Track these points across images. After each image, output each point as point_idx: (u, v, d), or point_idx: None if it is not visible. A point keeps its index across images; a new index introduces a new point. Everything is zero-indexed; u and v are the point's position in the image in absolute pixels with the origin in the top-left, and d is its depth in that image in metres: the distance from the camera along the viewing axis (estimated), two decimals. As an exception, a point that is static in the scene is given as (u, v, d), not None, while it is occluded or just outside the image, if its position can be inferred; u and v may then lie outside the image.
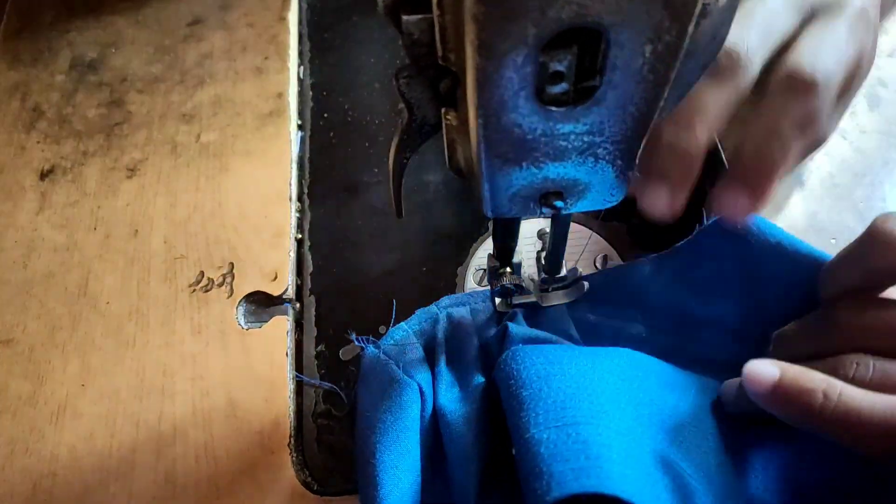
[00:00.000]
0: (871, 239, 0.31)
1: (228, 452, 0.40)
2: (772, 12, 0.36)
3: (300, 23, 0.61)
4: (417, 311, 0.43)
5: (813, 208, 0.49)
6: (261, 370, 0.42)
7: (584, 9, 0.22)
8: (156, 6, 0.62)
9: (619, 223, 0.48)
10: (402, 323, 0.42)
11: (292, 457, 0.39)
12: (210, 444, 0.40)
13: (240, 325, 0.44)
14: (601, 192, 0.31)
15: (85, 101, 0.56)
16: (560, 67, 0.24)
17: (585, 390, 0.32)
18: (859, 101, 0.54)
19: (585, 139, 0.28)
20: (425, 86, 0.28)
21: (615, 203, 0.32)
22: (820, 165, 0.51)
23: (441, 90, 0.29)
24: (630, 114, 0.26)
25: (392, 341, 0.41)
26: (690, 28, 0.23)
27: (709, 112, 0.34)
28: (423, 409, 0.37)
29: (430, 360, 0.40)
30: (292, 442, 0.40)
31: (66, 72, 0.58)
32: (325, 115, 0.55)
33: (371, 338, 0.41)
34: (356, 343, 0.41)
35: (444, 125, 0.30)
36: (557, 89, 0.25)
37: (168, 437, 0.40)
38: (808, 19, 0.37)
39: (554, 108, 0.26)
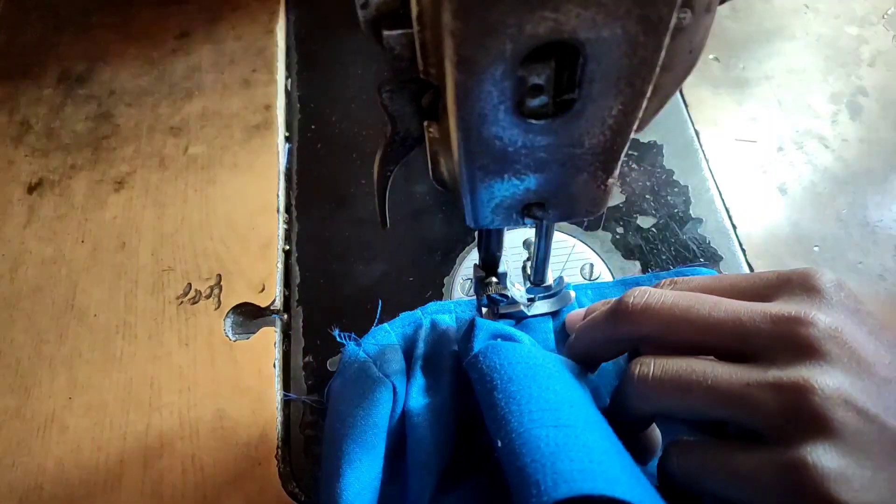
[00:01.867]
0: (617, 311, 0.33)
1: (216, 464, 0.40)
2: None
3: (288, 35, 0.61)
4: (402, 315, 0.43)
5: (795, 217, 0.49)
6: (248, 382, 0.42)
7: (560, 24, 0.22)
8: (144, 20, 0.62)
9: (604, 232, 0.49)
10: (386, 324, 0.43)
11: (280, 468, 0.39)
12: (197, 456, 0.40)
13: (227, 336, 0.44)
14: (582, 202, 0.32)
15: (73, 114, 0.56)
16: (539, 81, 0.25)
17: (570, 394, 0.33)
18: (841, 110, 0.55)
19: (566, 151, 0.28)
20: (408, 99, 0.29)
21: (597, 213, 0.33)
22: (802, 174, 0.52)
23: (423, 104, 0.29)
24: (609, 126, 0.27)
25: (374, 341, 0.41)
26: (666, 42, 0.24)
27: None
28: (393, 410, 0.37)
29: (409, 363, 0.40)
30: (279, 453, 0.40)
31: (54, 85, 0.58)
32: (313, 126, 0.55)
33: (353, 335, 0.41)
34: (338, 339, 0.41)
35: (426, 138, 0.31)
36: (537, 102, 0.26)
37: (155, 449, 0.40)
38: None
39: (534, 121, 0.26)
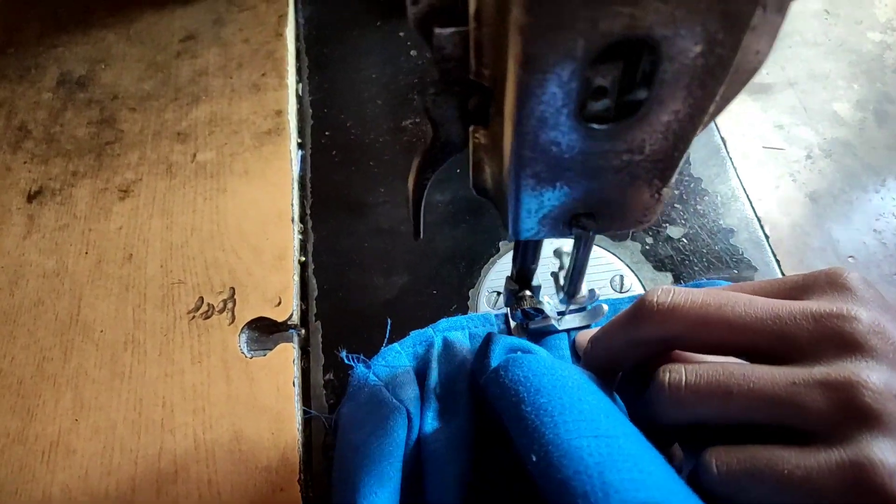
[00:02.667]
0: (639, 311, 0.31)
1: (234, 489, 0.37)
2: None
3: (297, 38, 0.59)
4: (412, 333, 0.41)
5: (828, 226, 0.48)
6: (266, 401, 0.40)
7: (637, 20, 0.20)
8: (146, 21, 0.60)
9: (633, 242, 0.47)
10: (395, 344, 0.41)
11: (303, 494, 0.37)
12: (214, 481, 0.38)
13: (243, 353, 0.42)
14: (634, 212, 0.30)
15: (74, 119, 0.54)
16: (604, 83, 0.23)
17: (603, 403, 0.31)
18: (868, 117, 0.54)
19: (624, 158, 0.26)
20: (453, 103, 0.27)
21: (647, 225, 0.31)
22: (833, 182, 0.50)
23: (469, 107, 0.27)
24: (673, 131, 0.25)
25: (384, 362, 0.39)
26: (746, 40, 0.22)
27: None
28: (408, 436, 0.35)
29: (422, 385, 0.38)
30: (302, 478, 0.38)
31: (54, 89, 0.56)
32: (326, 133, 0.53)
33: (362, 357, 0.39)
34: (345, 361, 0.39)
35: (471, 144, 0.29)
36: (599, 106, 0.24)
37: (169, 473, 0.38)
38: None
39: (596, 126, 0.24)
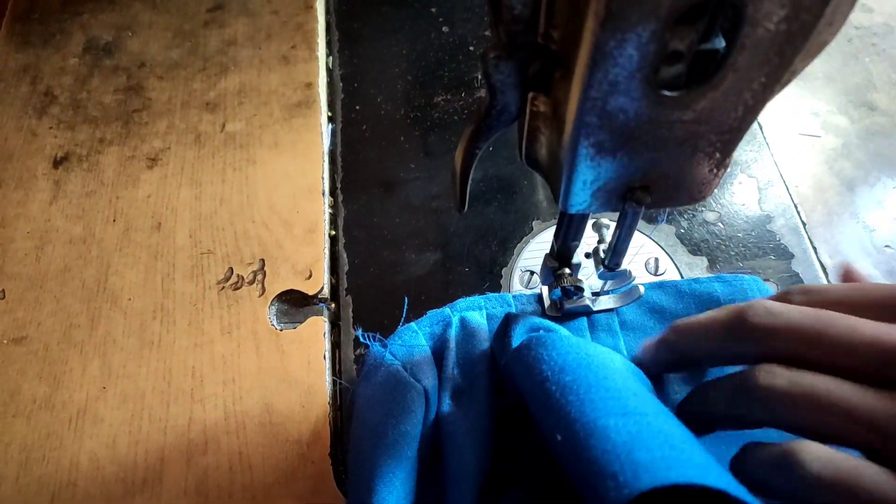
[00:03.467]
0: (739, 327, 0.30)
1: (265, 461, 0.37)
2: None
3: (328, 12, 0.58)
4: (429, 313, 0.40)
5: (864, 215, 0.47)
6: (297, 374, 0.39)
7: (728, -22, 0.20)
8: (173, -10, 0.59)
9: (668, 225, 0.46)
10: (412, 323, 0.40)
11: (334, 468, 0.37)
12: (245, 453, 0.37)
13: (273, 325, 0.41)
14: (690, 188, 0.29)
15: (100, 86, 0.53)
16: (680, 46, 0.22)
17: (631, 382, 0.30)
18: (906, 106, 0.53)
19: (690, 128, 0.26)
20: (514, 68, 0.26)
21: (701, 200, 0.30)
22: (869, 171, 0.50)
23: (530, 73, 0.26)
24: (744, 101, 0.25)
25: (400, 342, 0.38)
26: (831, 5, 0.21)
27: None
28: (426, 417, 0.35)
29: (439, 365, 0.37)
30: (333, 451, 0.37)
31: (80, 55, 0.55)
32: (357, 107, 0.52)
33: (378, 335, 0.38)
34: (361, 340, 0.38)
35: (528, 112, 0.28)
36: (673, 71, 0.23)
37: (199, 444, 0.37)
38: None
39: (667, 92, 0.23)
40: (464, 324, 0.39)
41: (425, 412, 0.35)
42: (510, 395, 0.36)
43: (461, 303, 0.41)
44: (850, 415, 0.26)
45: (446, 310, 0.41)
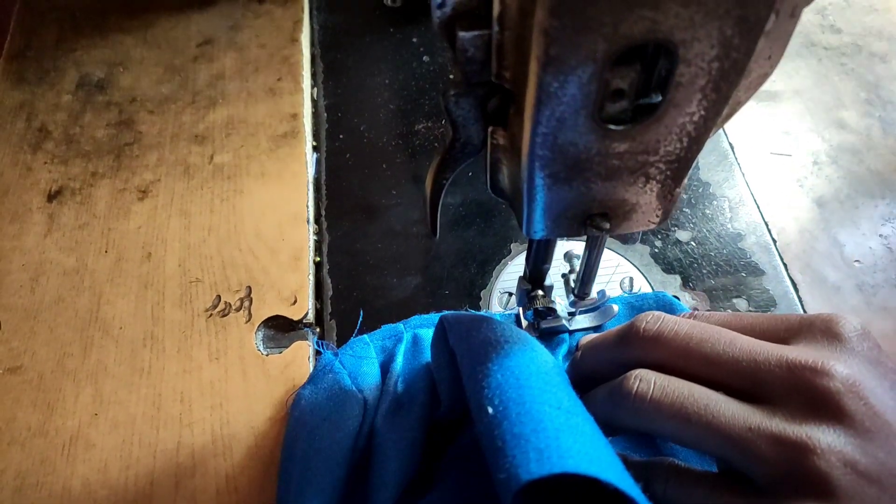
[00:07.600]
0: (627, 334, 0.32)
1: (251, 484, 0.38)
2: None
3: (312, 44, 0.60)
4: (383, 326, 0.42)
5: (834, 231, 0.49)
6: (283, 398, 0.41)
7: (657, 24, 0.21)
8: (164, 26, 0.61)
9: (642, 245, 0.48)
10: (365, 335, 0.42)
11: (318, 488, 0.38)
12: (231, 475, 0.38)
13: (259, 350, 0.43)
14: (647, 213, 0.31)
15: (93, 121, 0.55)
16: (622, 85, 0.24)
17: (568, 388, 0.31)
18: (874, 125, 0.55)
19: (639, 158, 0.27)
20: (473, 104, 0.28)
21: (658, 225, 0.32)
22: (839, 189, 0.51)
23: (489, 109, 0.28)
24: (687, 132, 0.26)
25: (351, 352, 0.40)
26: (759, 45, 0.23)
27: None
28: (361, 426, 0.36)
29: (384, 377, 0.39)
30: (317, 472, 0.38)
31: (73, 91, 0.57)
32: (341, 136, 0.54)
33: (331, 344, 0.41)
34: (314, 347, 0.41)
35: (489, 145, 0.29)
36: (617, 107, 0.25)
37: (187, 467, 0.39)
38: None
39: (613, 127, 0.25)
40: (415, 340, 0.41)
41: (361, 422, 0.37)
42: (443, 398, 0.36)
43: (415, 319, 0.43)
44: (711, 427, 0.27)
45: (399, 325, 0.42)
